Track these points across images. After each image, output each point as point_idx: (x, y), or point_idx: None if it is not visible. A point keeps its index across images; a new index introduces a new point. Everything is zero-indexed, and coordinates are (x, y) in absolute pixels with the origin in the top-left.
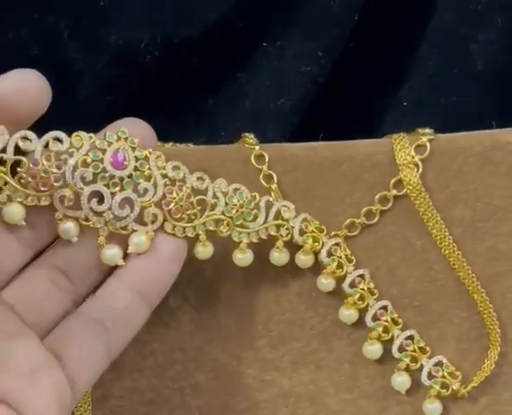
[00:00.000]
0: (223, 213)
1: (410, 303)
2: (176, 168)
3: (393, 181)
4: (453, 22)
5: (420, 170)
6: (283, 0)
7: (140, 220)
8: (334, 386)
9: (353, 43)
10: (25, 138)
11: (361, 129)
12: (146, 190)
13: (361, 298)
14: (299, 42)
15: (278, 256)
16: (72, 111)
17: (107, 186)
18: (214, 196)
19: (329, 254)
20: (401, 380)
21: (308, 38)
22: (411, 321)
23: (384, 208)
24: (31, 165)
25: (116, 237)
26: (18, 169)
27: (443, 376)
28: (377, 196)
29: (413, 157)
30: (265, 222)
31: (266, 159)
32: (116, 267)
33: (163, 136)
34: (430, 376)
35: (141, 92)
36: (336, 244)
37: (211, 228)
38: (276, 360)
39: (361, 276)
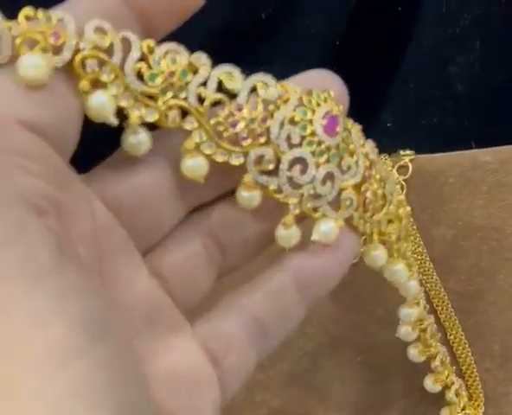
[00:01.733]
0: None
1: (395, 322)
2: (373, 148)
3: None
4: (432, 45)
5: (405, 191)
6: (263, 29)
7: (332, 203)
8: (323, 405)
9: (335, 67)
10: (230, 75)
11: None
12: (349, 168)
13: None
14: (281, 68)
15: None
16: None
17: (313, 154)
18: (390, 193)
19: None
20: None
21: (291, 62)
22: (395, 339)
23: None
24: (234, 110)
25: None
26: (217, 113)
27: None
28: None
29: (397, 178)
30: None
31: None
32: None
33: None
34: None
35: None
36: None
37: (382, 228)
38: (265, 381)
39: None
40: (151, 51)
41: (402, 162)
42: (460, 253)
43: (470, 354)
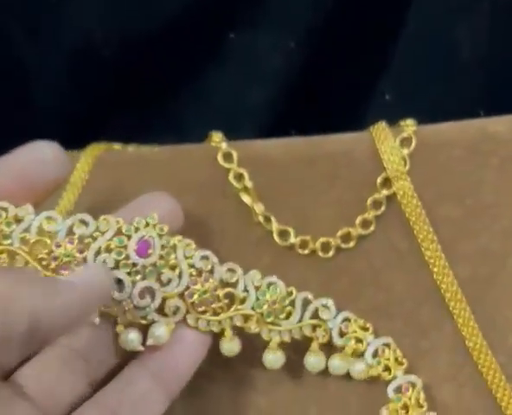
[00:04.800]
0: (253, 309)
1: (398, 311)
2: (204, 257)
3: (379, 180)
4: (438, 7)
5: (408, 166)
6: None
7: (162, 311)
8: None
9: (331, 34)
10: (50, 219)
11: (341, 123)
12: (170, 280)
13: (405, 407)
14: (269, 33)
15: (314, 360)
16: (28, 111)
17: (129, 273)
18: (245, 290)
19: (375, 355)
20: None
21: (279, 28)
22: (399, 331)
23: (378, 213)
24: (54, 247)
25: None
26: (41, 250)
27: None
28: (369, 201)
29: (401, 151)
30: (300, 321)
31: (235, 157)
32: (137, 352)
33: (128, 137)
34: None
35: (102, 92)
36: (386, 345)
37: (238, 324)
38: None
39: (413, 384)
40: None
41: (405, 134)
42: (469, 235)
43: (485, 345)
